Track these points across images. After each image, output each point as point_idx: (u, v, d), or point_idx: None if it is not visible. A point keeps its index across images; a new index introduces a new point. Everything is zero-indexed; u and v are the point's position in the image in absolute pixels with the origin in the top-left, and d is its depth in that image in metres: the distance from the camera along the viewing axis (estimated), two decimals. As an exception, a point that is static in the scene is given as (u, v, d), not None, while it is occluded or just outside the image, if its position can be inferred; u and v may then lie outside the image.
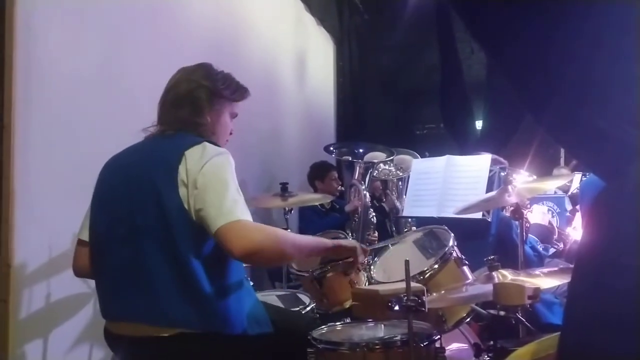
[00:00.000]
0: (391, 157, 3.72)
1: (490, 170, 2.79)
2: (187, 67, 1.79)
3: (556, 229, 3.60)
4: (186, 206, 1.54)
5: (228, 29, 4.08)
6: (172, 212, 1.54)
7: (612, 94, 0.77)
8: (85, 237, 1.72)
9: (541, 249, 3.07)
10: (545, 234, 3.43)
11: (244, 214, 1.53)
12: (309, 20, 5.99)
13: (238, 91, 1.81)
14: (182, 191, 1.55)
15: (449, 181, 2.90)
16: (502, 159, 3.11)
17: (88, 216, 1.73)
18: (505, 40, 0.83)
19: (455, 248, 2.06)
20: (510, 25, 0.81)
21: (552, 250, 3.48)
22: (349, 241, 1.88)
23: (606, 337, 0.74)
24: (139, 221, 1.57)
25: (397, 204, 4.06)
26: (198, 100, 1.71)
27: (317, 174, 4.58)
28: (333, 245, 1.80)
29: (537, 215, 3.50)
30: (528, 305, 1.89)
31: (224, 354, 1.60)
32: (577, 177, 4.32)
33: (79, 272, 1.78)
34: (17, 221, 2.20)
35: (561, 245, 3.64)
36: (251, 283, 1.82)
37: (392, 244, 2.32)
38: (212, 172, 1.56)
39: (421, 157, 3.87)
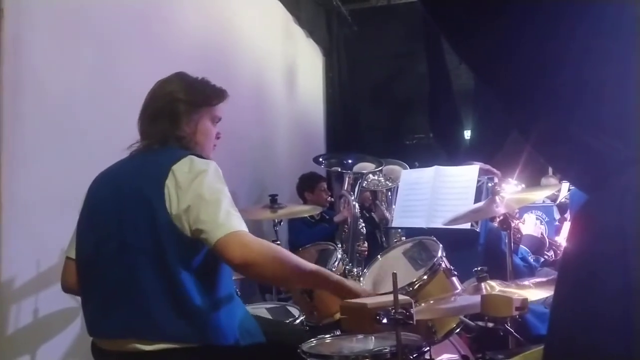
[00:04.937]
0: (380, 168, 3.74)
1: (478, 181, 2.81)
2: (163, 79, 1.79)
3: (546, 239, 3.60)
4: (176, 222, 1.54)
5: (219, 40, 4.09)
6: (162, 227, 1.54)
7: (600, 105, 0.78)
8: (73, 255, 1.71)
9: (532, 260, 3.07)
10: (538, 244, 3.43)
11: (241, 225, 1.53)
12: (298, 32, 6.02)
13: (214, 95, 1.79)
14: (171, 206, 1.54)
15: (437, 192, 2.91)
16: (494, 170, 3.12)
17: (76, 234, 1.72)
18: (496, 65, 0.83)
19: (444, 259, 2.07)
20: (500, 49, 0.81)
21: (542, 260, 3.48)
22: (355, 285, 1.71)
23: (589, 338, 0.76)
24: (129, 237, 1.57)
25: (387, 214, 4.07)
26: (175, 113, 1.70)
27: (307, 185, 4.58)
28: (336, 281, 1.69)
29: (530, 226, 3.51)
30: (517, 317, 1.89)
31: None
32: (565, 186, 4.35)
33: (67, 289, 1.78)
34: (4, 235, 2.18)
35: (551, 254, 3.64)
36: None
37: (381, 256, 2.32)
38: (203, 187, 1.55)
39: (411, 168, 3.89)
